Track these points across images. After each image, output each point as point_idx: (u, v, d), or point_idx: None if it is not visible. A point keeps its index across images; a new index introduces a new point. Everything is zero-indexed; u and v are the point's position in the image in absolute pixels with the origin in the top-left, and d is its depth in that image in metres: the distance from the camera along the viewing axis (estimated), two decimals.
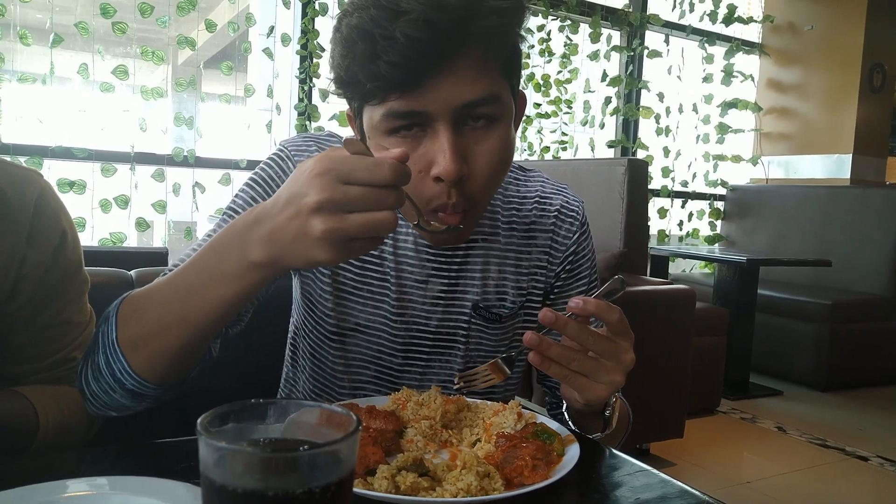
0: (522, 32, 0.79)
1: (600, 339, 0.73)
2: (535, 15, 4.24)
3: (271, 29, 3.50)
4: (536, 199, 0.98)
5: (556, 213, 0.98)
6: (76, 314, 0.95)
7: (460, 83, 0.72)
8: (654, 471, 0.76)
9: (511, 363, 0.82)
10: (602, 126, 4.58)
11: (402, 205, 0.60)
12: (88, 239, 3.09)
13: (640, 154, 4.71)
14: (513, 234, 0.95)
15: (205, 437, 0.39)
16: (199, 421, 0.40)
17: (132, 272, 1.25)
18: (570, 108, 4.37)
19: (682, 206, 5.03)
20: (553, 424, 0.79)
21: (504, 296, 0.94)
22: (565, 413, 0.87)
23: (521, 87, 0.85)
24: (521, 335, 0.92)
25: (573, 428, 0.84)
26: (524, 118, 4.21)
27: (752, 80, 5.40)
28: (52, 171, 3.00)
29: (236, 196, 0.91)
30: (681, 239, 5.04)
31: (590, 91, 4.48)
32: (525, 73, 4.20)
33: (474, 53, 0.73)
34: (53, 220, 0.91)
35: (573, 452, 0.72)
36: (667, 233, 4.92)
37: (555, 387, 1.03)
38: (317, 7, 3.51)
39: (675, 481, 0.73)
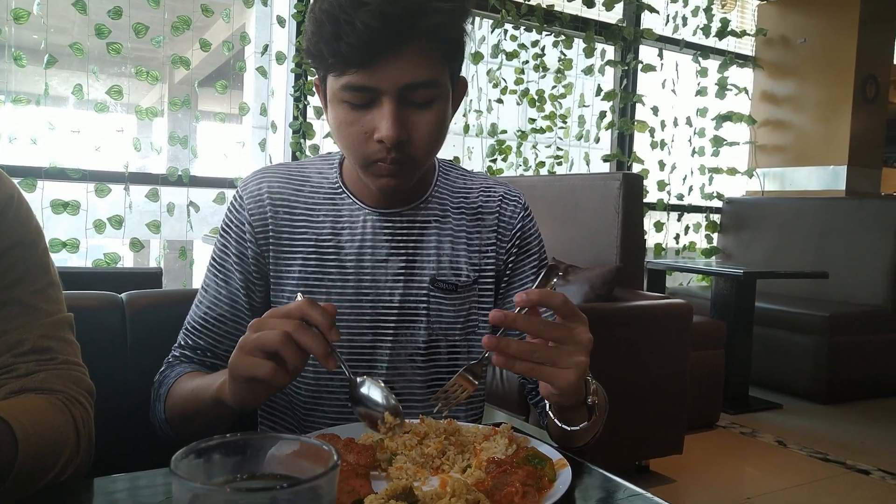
0: (466, 28, 0.92)
1: (554, 326, 0.78)
2: (529, 31, 4.26)
3: (266, 47, 3.51)
4: (481, 188, 1.10)
5: (500, 198, 1.10)
6: (29, 296, 0.82)
7: (406, 67, 0.85)
8: (649, 494, 0.74)
9: (477, 371, 0.84)
10: (597, 140, 4.59)
11: (297, 334, 0.73)
12: (82, 260, 3.08)
13: (636, 168, 4.72)
14: (462, 217, 1.07)
15: (177, 476, 0.38)
16: (172, 459, 0.39)
17: (123, 295, 1.24)
18: (564, 122, 4.39)
19: (679, 220, 5.04)
20: (544, 449, 0.78)
21: (458, 270, 1.05)
22: (550, 413, 0.90)
23: (462, 75, 0.99)
24: (477, 310, 1.05)
25: (559, 424, 0.88)
26: (518, 133, 4.24)
27: (747, 92, 5.42)
28: (46, 192, 2.99)
29: (214, 245, 1.05)
30: (677, 252, 5.04)
31: (584, 106, 4.49)
32: (520, 88, 4.22)
33: (420, 44, 0.85)
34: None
35: (565, 477, 0.71)
36: (663, 246, 4.92)
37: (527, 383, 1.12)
38: None
39: None
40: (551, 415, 0.89)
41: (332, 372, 0.99)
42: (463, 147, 4.12)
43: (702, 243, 5.16)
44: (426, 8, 0.83)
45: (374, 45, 0.82)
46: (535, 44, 4.26)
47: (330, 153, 1.10)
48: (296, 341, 0.73)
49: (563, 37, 4.33)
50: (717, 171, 5.14)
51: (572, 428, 0.87)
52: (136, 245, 3.23)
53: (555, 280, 0.84)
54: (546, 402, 0.90)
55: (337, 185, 1.04)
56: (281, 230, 1.01)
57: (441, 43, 0.88)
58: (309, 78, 3.54)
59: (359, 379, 0.80)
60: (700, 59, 4.99)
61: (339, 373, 0.99)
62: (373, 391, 0.79)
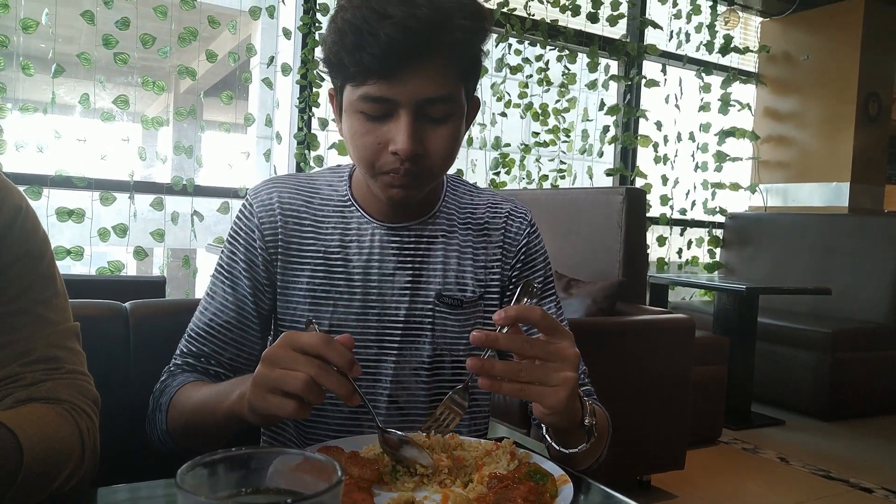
0: (483, 48, 0.93)
1: (537, 343, 0.77)
2: (534, 45, 4.29)
3: (271, 59, 3.53)
4: (488, 204, 1.11)
5: (506, 214, 1.11)
6: (36, 306, 0.82)
7: (425, 80, 0.86)
8: None
9: (462, 396, 0.84)
10: (600, 154, 4.60)
11: (320, 377, 0.71)
12: (86, 268, 3.09)
13: (639, 182, 4.72)
14: (469, 233, 1.08)
15: (183, 489, 0.38)
16: (178, 472, 0.39)
17: (127, 304, 1.24)
18: (568, 136, 4.40)
19: (681, 234, 5.04)
20: (546, 464, 0.77)
21: (464, 285, 1.05)
22: (547, 436, 0.88)
23: (476, 94, 1.01)
24: (482, 325, 1.04)
25: (557, 447, 0.87)
26: (522, 147, 4.25)
27: (749, 108, 5.44)
28: (52, 200, 3.00)
29: (221, 252, 1.04)
30: (680, 267, 5.03)
31: (588, 120, 4.51)
32: (524, 101, 4.24)
33: (439, 59, 0.87)
34: (6, 192, 0.83)
35: (566, 493, 0.71)
36: (666, 261, 4.92)
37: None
38: (317, 38, 3.55)
39: None
40: (548, 438, 0.88)
41: None
42: (466, 160, 4.13)
43: (704, 258, 5.16)
44: (448, 24, 0.84)
45: (395, 56, 0.83)
46: (538, 58, 4.28)
47: (339, 165, 1.11)
48: (319, 384, 0.71)
49: (566, 51, 4.36)
50: (719, 186, 5.15)
51: (570, 451, 0.86)
52: (140, 253, 3.24)
53: (525, 300, 0.84)
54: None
55: (346, 197, 1.05)
56: (290, 240, 1.01)
57: (460, 59, 0.89)
58: (314, 90, 3.56)
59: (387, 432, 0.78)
60: (703, 74, 5.01)
61: None
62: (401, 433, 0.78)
